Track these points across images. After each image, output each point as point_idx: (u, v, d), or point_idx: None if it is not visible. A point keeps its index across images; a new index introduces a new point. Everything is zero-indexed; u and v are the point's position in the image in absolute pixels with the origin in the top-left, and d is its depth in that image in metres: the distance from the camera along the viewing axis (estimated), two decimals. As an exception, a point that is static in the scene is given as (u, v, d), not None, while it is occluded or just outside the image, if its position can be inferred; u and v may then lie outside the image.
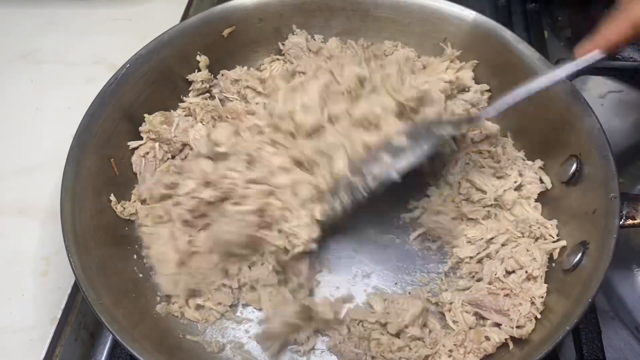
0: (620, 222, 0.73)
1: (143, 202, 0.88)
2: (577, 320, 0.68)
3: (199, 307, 0.82)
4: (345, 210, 0.80)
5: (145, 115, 0.91)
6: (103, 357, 0.86)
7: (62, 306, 0.82)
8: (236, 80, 0.98)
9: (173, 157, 0.93)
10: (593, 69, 1.06)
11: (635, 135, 1.08)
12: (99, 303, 0.71)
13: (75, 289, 0.84)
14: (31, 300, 0.83)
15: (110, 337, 0.87)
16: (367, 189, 0.78)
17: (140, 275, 0.84)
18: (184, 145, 0.92)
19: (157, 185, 0.86)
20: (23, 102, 1.05)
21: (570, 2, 1.28)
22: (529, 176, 0.89)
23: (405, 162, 0.78)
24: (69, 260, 0.73)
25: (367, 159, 0.79)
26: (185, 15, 1.18)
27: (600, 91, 1.12)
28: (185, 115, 0.96)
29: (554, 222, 0.84)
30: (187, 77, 0.97)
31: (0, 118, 1.03)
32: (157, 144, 0.91)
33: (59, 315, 0.81)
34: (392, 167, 0.77)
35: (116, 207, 0.85)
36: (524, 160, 0.91)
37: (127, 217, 0.86)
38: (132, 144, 0.91)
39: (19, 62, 1.11)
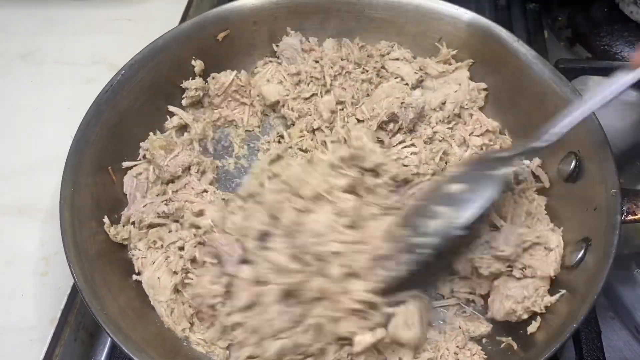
0: (622, 218, 0.73)
1: (133, 224, 0.86)
2: (583, 317, 0.68)
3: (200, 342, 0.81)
4: (409, 271, 0.73)
5: (151, 134, 0.91)
6: (102, 358, 0.86)
7: (62, 306, 0.82)
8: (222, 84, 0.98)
9: (167, 183, 0.91)
10: (593, 69, 1.07)
11: (635, 135, 1.08)
12: (103, 314, 0.71)
13: (75, 289, 0.84)
14: (31, 300, 0.82)
15: (109, 338, 0.86)
16: (428, 246, 0.71)
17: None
18: (174, 176, 0.90)
19: (148, 211, 0.85)
20: (23, 102, 1.05)
21: (570, 2, 1.28)
22: (524, 176, 0.89)
23: (469, 212, 0.70)
24: (71, 270, 0.73)
25: (418, 215, 0.73)
26: (185, 16, 1.18)
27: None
28: (178, 129, 0.95)
29: None
30: (181, 85, 0.96)
31: (0, 118, 1.02)
32: (151, 167, 0.90)
33: (58, 316, 0.81)
34: (454, 219, 0.70)
35: (109, 231, 0.83)
36: (520, 160, 0.91)
37: (120, 242, 0.84)
38: (126, 163, 0.90)
39: (18, 62, 1.11)
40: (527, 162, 0.90)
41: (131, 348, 0.69)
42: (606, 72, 1.09)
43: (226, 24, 0.97)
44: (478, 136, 0.93)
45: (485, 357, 0.77)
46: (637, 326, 0.86)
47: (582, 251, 0.76)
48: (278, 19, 1.00)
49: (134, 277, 0.83)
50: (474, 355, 0.76)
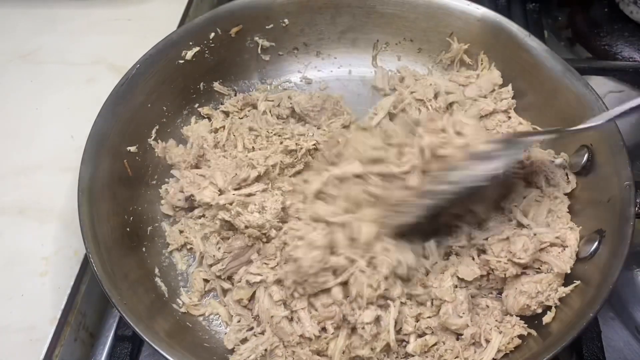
0: (636, 210, 0.73)
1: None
2: (599, 306, 0.68)
3: None
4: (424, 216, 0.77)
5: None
6: (102, 358, 0.86)
7: (62, 306, 0.81)
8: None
9: None
10: (593, 69, 1.07)
11: (636, 135, 1.07)
12: (123, 303, 0.71)
13: (75, 289, 0.83)
14: (31, 300, 0.82)
15: (110, 337, 0.87)
16: (447, 193, 0.74)
17: (158, 273, 0.85)
18: None
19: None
20: (23, 102, 1.04)
21: (570, 2, 1.28)
22: (556, 180, 0.87)
23: (492, 165, 0.73)
24: (90, 261, 0.73)
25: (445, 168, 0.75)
26: (185, 15, 1.18)
27: (600, 91, 1.11)
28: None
29: None
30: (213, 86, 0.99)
31: (0, 118, 1.02)
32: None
33: (58, 316, 0.80)
34: (478, 170, 0.73)
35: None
36: (552, 162, 0.88)
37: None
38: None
39: (19, 62, 1.10)
40: (558, 160, 0.88)
41: (152, 338, 0.69)
42: (606, 72, 1.10)
43: (238, 19, 0.98)
44: None
45: (526, 325, 0.76)
46: (637, 326, 0.86)
47: (596, 243, 0.76)
48: (290, 14, 1.00)
49: (156, 269, 0.85)
50: (514, 326, 0.76)
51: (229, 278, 0.83)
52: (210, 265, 0.82)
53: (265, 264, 0.81)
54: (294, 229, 0.79)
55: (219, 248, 0.82)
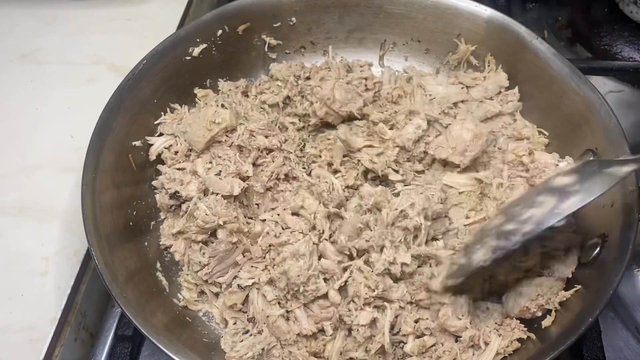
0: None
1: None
2: (599, 312, 0.68)
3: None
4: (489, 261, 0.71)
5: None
6: (102, 358, 0.86)
7: (62, 306, 0.81)
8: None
9: None
10: (593, 69, 1.07)
11: (636, 135, 1.07)
12: (123, 297, 0.71)
13: (75, 289, 0.84)
14: (31, 300, 0.82)
15: (110, 337, 0.87)
16: (520, 233, 0.68)
17: (160, 267, 0.85)
18: None
19: None
20: (23, 102, 1.04)
21: (570, 2, 1.28)
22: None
23: (573, 202, 0.66)
24: (92, 253, 0.73)
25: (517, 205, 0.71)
26: (185, 15, 1.18)
27: (600, 91, 1.12)
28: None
29: None
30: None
31: (0, 118, 1.02)
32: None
33: (58, 316, 0.81)
34: (556, 210, 0.67)
35: None
36: (556, 165, 0.86)
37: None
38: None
39: (18, 62, 1.11)
40: (563, 164, 0.87)
41: (150, 331, 0.69)
42: (606, 72, 1.10)
43: (246, 17, 0.98)
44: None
45: (525, 328, 0.76)
46: (637, 326, 0.86)
47: (599, 248, 0.76)
48: (298, 12, 1.01)
49: (157, 264, 0.85)
50: (513, 329, 0.76)
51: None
52: (197, 271, 0.82)
53: (254, 267, 0.81)
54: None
55: (204, 253, 0.82)
